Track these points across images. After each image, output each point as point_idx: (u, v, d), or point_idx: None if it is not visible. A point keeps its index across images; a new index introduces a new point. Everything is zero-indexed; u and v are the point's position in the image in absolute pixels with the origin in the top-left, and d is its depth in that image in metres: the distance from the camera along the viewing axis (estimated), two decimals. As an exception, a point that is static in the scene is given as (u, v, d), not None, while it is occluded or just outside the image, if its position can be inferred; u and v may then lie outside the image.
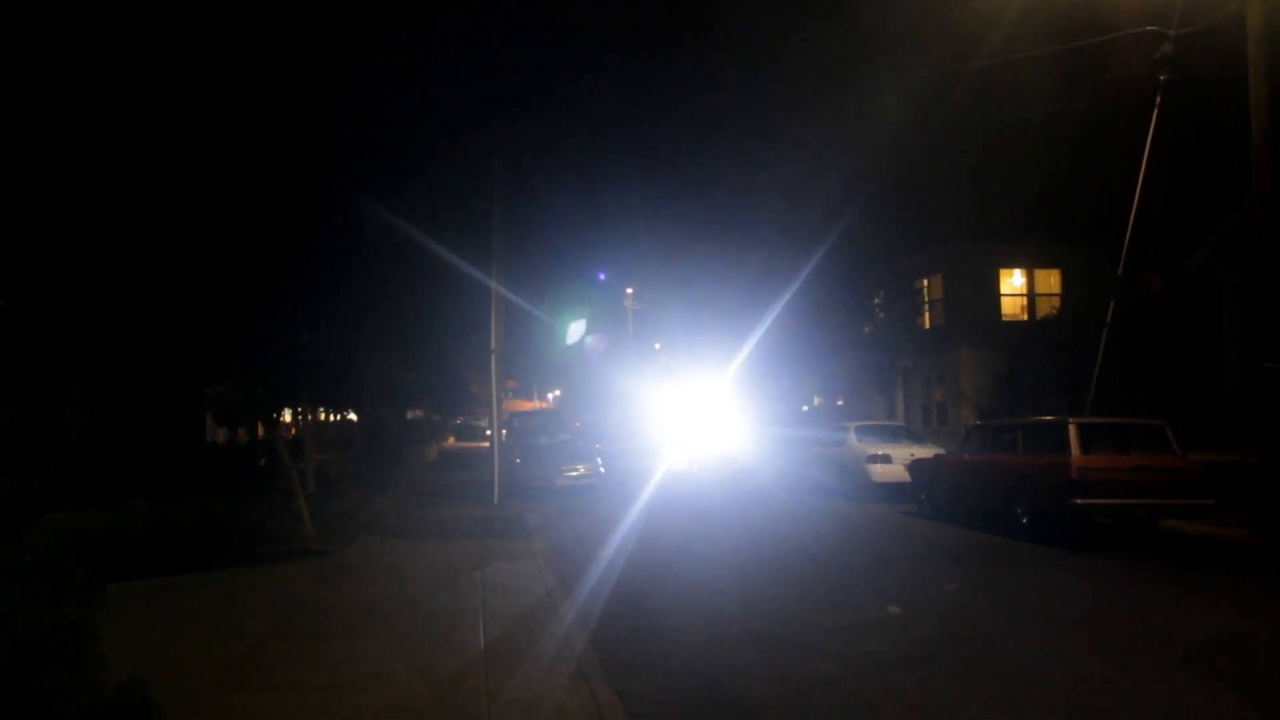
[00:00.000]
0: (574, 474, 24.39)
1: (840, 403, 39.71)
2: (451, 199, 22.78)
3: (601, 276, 19.97)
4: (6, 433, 20.29)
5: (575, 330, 24.82)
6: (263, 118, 14.76)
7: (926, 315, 34.34)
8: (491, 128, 22.84)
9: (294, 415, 27.06)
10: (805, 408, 42.05)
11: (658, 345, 62.48)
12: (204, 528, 13.46)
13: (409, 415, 48.37)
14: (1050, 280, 31.94)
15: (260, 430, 27.86)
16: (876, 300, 36.56)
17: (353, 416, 39.93)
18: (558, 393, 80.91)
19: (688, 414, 39.11)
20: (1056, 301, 31.31)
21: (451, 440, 62.12)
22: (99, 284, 14.08)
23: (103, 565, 8.08)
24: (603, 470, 25.26)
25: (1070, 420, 15.02)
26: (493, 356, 23.15)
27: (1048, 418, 16.26)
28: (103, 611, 6.22)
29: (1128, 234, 18.67)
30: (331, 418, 39.76)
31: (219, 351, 14.70)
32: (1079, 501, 14.18)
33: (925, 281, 34.16)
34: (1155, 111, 17.66)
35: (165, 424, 16.58)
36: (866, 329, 36.66)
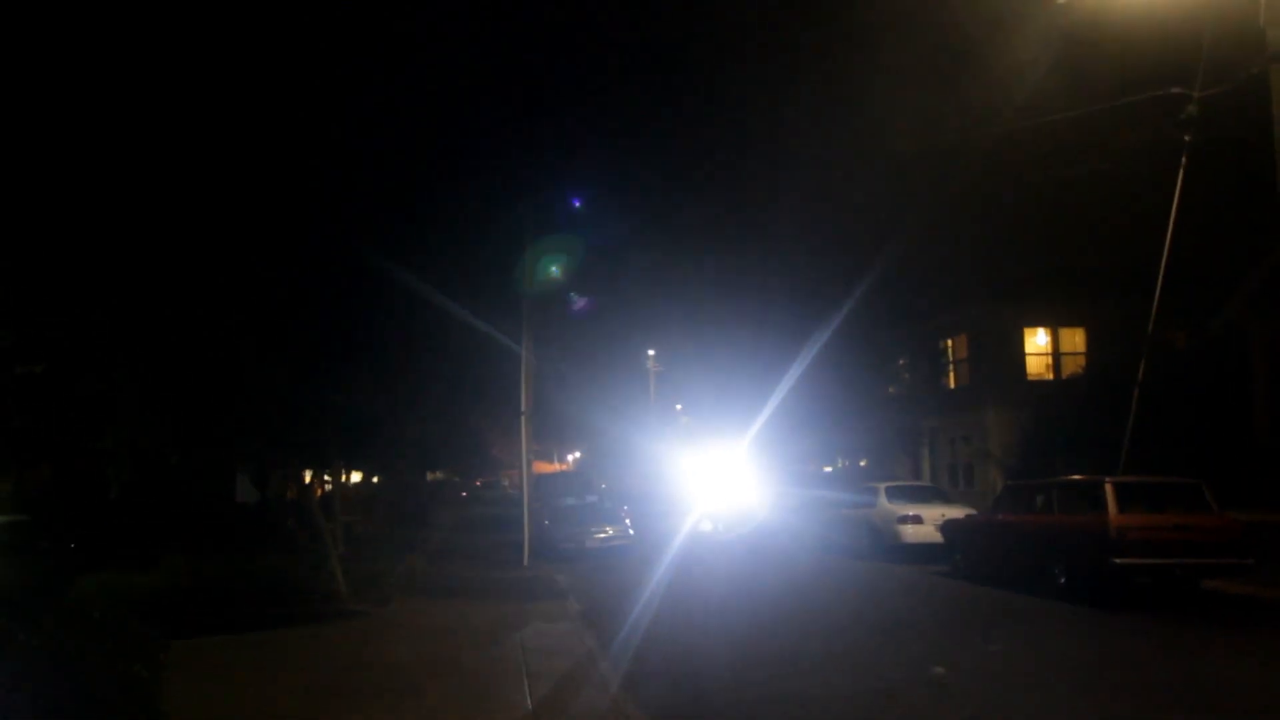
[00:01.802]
0: (603, 535, 24.31)
1: (864, 464, 39.57)
2: (480, 263, 23.03)
3: (577, 204, 19.77)
4: (45, 493, 20.46)
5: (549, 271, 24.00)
6: (296, 183, 15.04)
7: (951, 375, 34.32)
8: (523, 196, 23.03)
9: (322, 477, 27.14)
10: (828, 469, 41.92)
11: (679, 406, 62.58)
12: (240, 587, 13.53)
13: (429, 477, 48.46)
14: (1075, 339, 31.90)
15: (289, 491, 27.96)
16: (901, 361, 36.59)
17: (374, 479, 40.03)
18: (578, 455, 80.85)
19: (710, 475, 39.02)
20: (1081, 360, 31.24)
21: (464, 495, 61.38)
22: (139, 346, 14.26)
23: (148, 624, 8.13)
24: (632, 532, 25.17)
25: (1107, 480, 14.96)
26: (522, 418, 23.24)
27: (1084, 477, 16.17)
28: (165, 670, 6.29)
29: (1157, 291, 18.70)
30: (353, 479, 39.84)
31: (254, 411, 14.83)
32: (1118, 561, 14.06)
33: (949, 342, 34.18)
34: (1180, 172, 17.78)
35: (201, 483, 16.70)
36: (891, 390, 36.66)
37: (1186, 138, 17.46)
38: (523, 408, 23.12)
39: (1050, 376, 31.53)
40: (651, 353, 58.14)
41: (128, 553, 14.71)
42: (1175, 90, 16.81)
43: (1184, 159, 17.79)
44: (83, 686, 5.28)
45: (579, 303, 24.82)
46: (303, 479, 21.14)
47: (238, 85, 14.45)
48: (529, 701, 8.82)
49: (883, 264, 31.65)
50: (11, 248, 16.46)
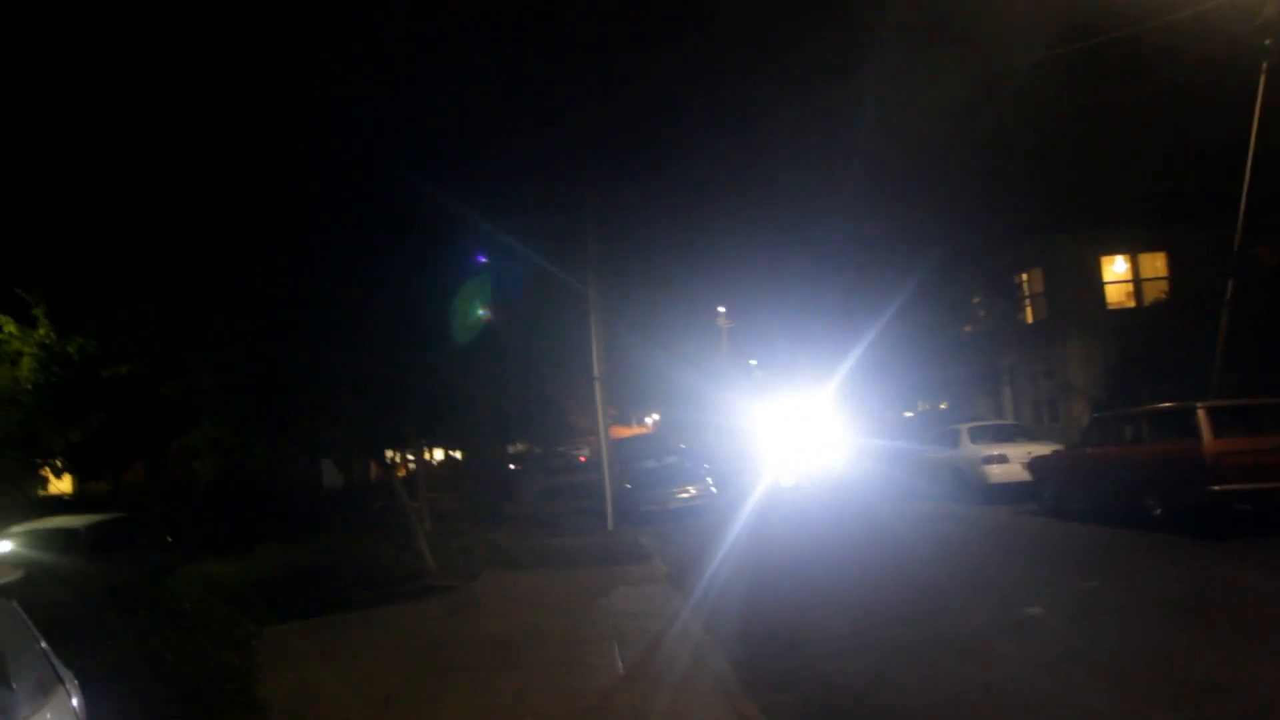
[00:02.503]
0: (686, 495, 24.32)
1: (944, 406, 38.96)
2: (549, 225, 23.01)
3: (482, 260, 19.61)
4: (141, 491, 21.07)
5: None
6: (366, 169, 15.12)
7: (1029, 310, 33.52)
8: (590, 156, 22.89)
9: (404, 456, 27.51)
10: (908, 413, 41.38)
11: (753, 361, 62.26)
12: (331, 571, 13.79)
13: (510, 449, 48.86)
14: (1156, 264, 30.88)
15: (374, 472, 28.41)
16: (976, 299, 35.86)
17: (457, 455, 40.52)
18: (656, 416, 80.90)
19: (789, 428, 38.80)
20: (1164, 285, 30.24)
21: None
22: (222, 344, 14.50)
23: (244, 611, 8.28)
24: (714, 490, 25.14)
25: (1199, 405, 14.46)
26: (596, 383, 23.26)
27: (1175, 404, 15.67)
28: (259, 656, 6.39)
29: (1242, 206, 18.00)
30: (438, 456, 40.37)
31: (333, 402, 15.00)
32: (1216, 489, 13.61)
33: (1025, 276, 33.35)
34: (1261, 79, 17.01)
35: (287, 471, 17.01)
36: (967, 329, 35.97)
37: (1266, 41, 16.67)
38: (595, 372, 23.13)
39: (1132, 304, 30.60)
40: (721, 309, 57.85)
41: (221, 544, 15.07)
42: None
43: (1264, 65, 17.01)
44: (174, 677, 5.38)
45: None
46: (386, 459, 21.39)
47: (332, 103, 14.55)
48: (620, 666, 8.84)
49: (954, 200, 30.96)
50: (90, 259, 16.92)
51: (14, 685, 3.29)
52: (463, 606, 12.75)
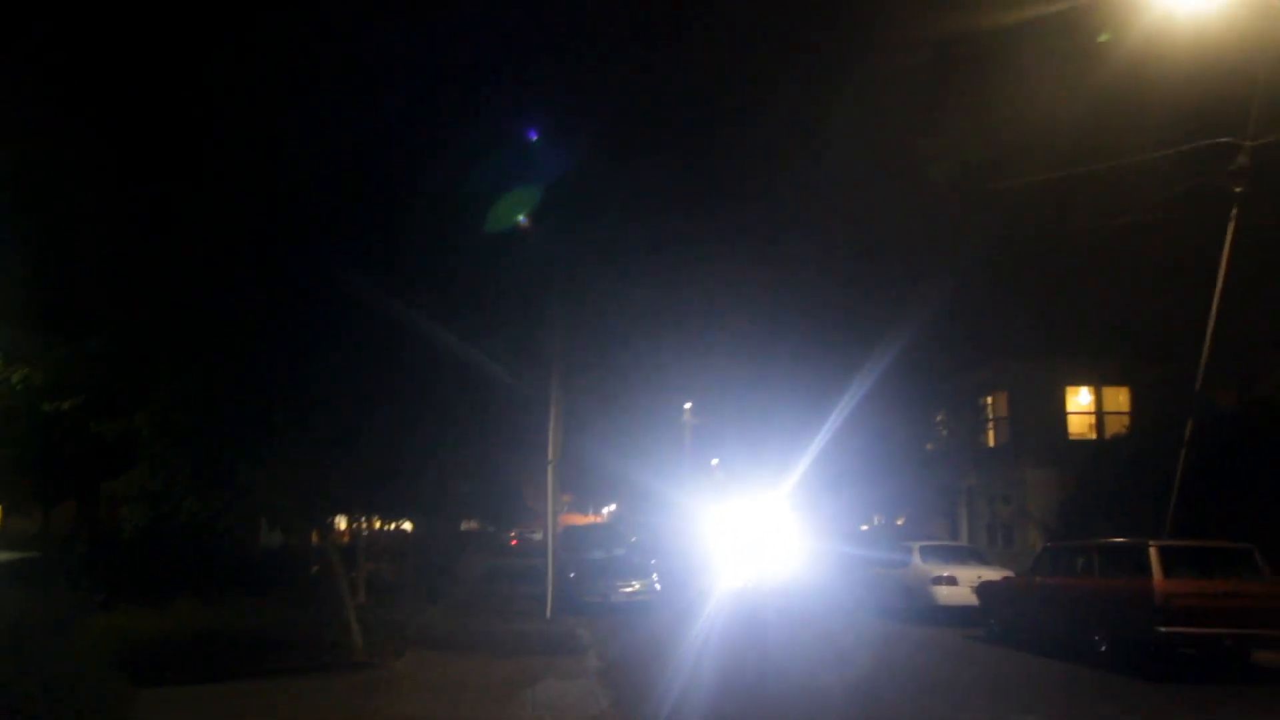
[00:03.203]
0: (629, 590, 23.82)
1: (900, 522, 38.74)
2: (510, 311, 22.86)
3: (533, 136, 19.34)
4: (69, 531, 20.40)
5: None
6: (322, 233, 14.93)
7: (991, 433, 33.58)
8: (555, 247, 22.90)
9: (349, 523, 26.89)
10: (864, 526, 41.12)
11: (714, 460, 62.01)
12: (250, 633, 13.24)
13: (463, 527, 48.11)
14: (1119, 398, 31.13)
15: (315, 537, 27.73)
16: (939, 417, 35.94)
17: (407, 526, 39.76)
18: (613, 506, 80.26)
19: (744, 530, 38.42)
20: (1125, 420, 30.44)
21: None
22: (160, 391, 14.15)
23: (150, 668, 7.83)
24: (658, 587, 24.64)
25: (1151, 542, 14.31)
26: (549, 467, 22.90)
27: (1127, 540, 15.52)
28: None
29: (1205, 348, 18.10)
30: (387, 527, 39.58)
31: (273, 456, 14.60)
32: (1162, 629, 13.37)
33: (989, 399, 33.50)
34: (1231, 224, 17.24)
35: (218, 526, 16.46)
36: (929, 446, 35.96)
37: (1237, 188, 16.94)
38: (550, 456, 22.79)
39: (1093, 436, 30.74)
40: (688, 406, 57.73)
41: (140, 595, 14.49)
42: (1226, 140, 16.35)
43: (1234, 210, 17.26)
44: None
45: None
46: (328, 524, 20.86)
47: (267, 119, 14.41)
48: (532, 763, 8.39)
49: (922, 318, 31.14)
50: (41, 290, 16.57)
51: None
52: (381, 685, 12.23)
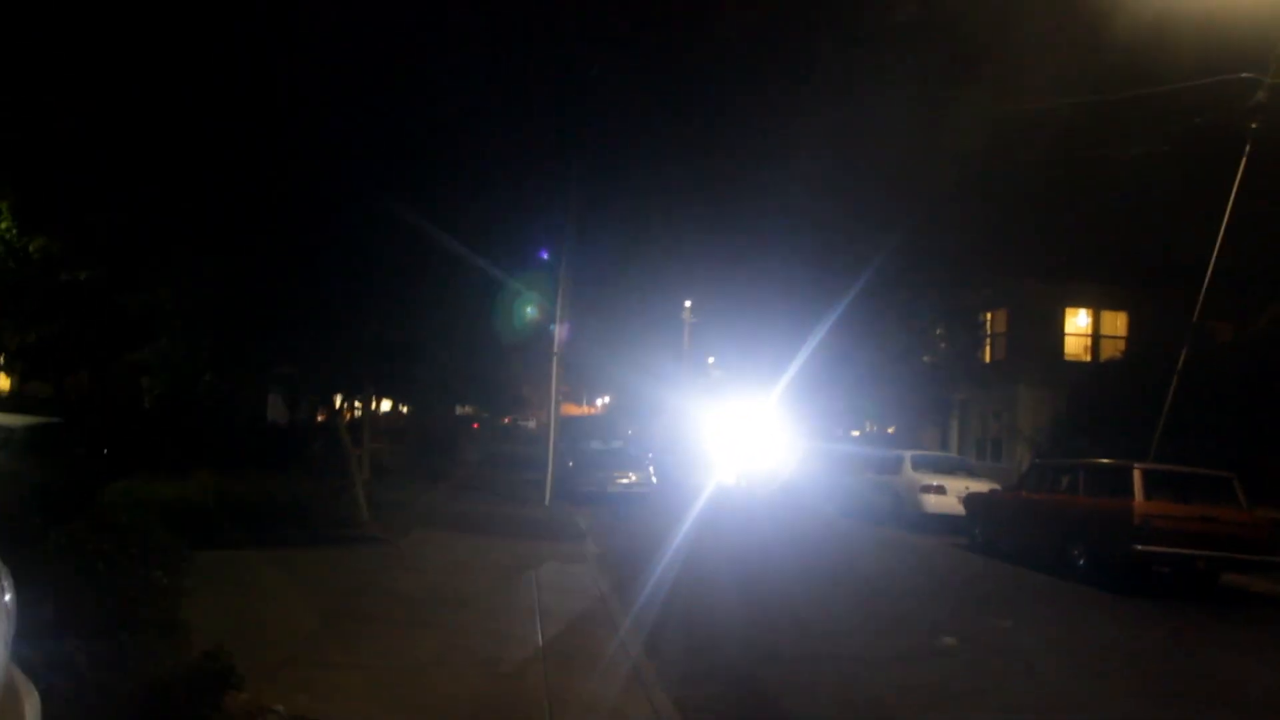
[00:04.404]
0: (626, 481, 24.48)
1: (892, 430, 39.39)
2: (518, 203, 22.95)
3: (544, 256, 19.87)
4: (83, 398, 20.82)
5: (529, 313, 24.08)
6: (338, 116, 15.04)
7: (988, 349, 34.02)
8: (566, 141, 22.91)
9: (352, 402, 27.41)
10: (856, 432, 41.77)
11: (711, 359, 62.47)
12: (265, 505, 13.72)
13: (458, 411, 48.75)
14: (1117, 323, 31.52)
15: (319, 414, 28.25)
16: (938, 330, 36.28)
17: (404, 409, 40.34)
18: (608, 399, 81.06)
19: (738, 428, 39.03)
20: (1122, 345, 30.87)
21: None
22: (184, 265, 14.42)
23: (174, 534, 8.27)
24: (654, 480, 25.30)
25: (1135, 465, 14.83)
26: (554, 359, 23.32)
27: (1112, 461, 16.04)
28: (187, 578, 6.42)
29: (1205, 279, 18.40)
30: (384, 407, 40.15)
31: (291, 333, 14.96)
32: (1139, 548, 13.97)
33: (989, 315, 33.85)
34: (1243, 159, 17.37)
35: (234, 401, 16.90)
36: (926, 358, 36.37)
37: (1253, 124, 17.03)
38: (554, 348, 23.19)
39: (1088, 358, 31.21)
40: (688, 303, 57.97)
41: (158, 463, 14.95)
42: (1245, 75, 16.38)
43: (1247, 146, 17.37)
44: (106, 588, 5.41)
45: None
46: (333, 403, 21.32)
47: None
48: (540, 639, 8.94)
49: (929, 230, 31.24)
50: (64, 157, 16.67)
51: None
52: (390, 560, 12.79)
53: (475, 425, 43.75)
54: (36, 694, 3.79)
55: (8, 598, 3.68)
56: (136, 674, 5.24)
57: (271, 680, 6.68)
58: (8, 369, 20.36)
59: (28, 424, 15.01)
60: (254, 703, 5.90)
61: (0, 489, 10.59)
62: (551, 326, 24.06)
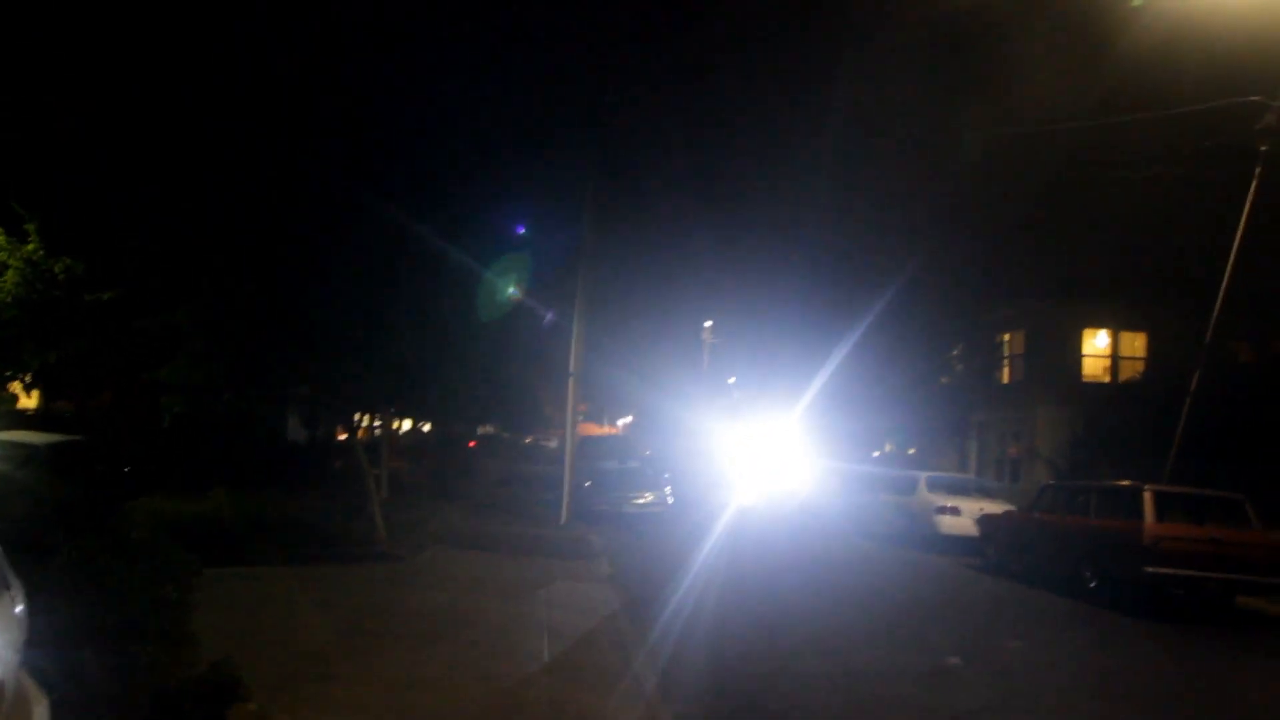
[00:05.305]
0: (641, 501, 24.55)
1: (911, 452, 39.35)
2: (538, 224, 23.17)
3: (521, 230, 19.90)
4: (104, 417, 21.14)
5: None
6: (353, 137, 15.32)
7: (1006, 370, 33.98)
8: (585, 161, 23.16)
9: (371, 421, 27.66)
10: (876, 454, 41.76)
11: (731, 379, 62.62)
12: (281, 523, 13.94)
13: (480, 431, 48.95)
14: (1135, 343, 31.42)
15: (338, 433, 28.54)
16: (955, 351, 36.28)
17: (426, 428, 40.57)
18: (629, 419, 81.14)
19: (757, 448, 39.08)
20: (1141, 365, 30.79)
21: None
22: (203, 286, 14.68)
23: (190, 550, 8.45)
24: (670, 500, 25.37)
25: (1146, 486, 14.83)
26: (570, 379, 23.47)
27: (1123, 482, 16.04)
28: (197, 594, 6.59)
29: (1218, 302, 18.41)
30: (404, 426, 40.43)
31: (308, 354, 15.18)
32: (1149, 569, 13.96)
33: (1006, 336, 33.83)
34: (1254, 181, 17.43)
35: (253, 419, 17.13)
36: (944, 380, 36.37)
37: (1263, 146, 17.10)
38: (570, 367, 23.34)
39: (1107, 379, 31.11)
40: (708, 324, 58.15)
41: (176, 481, 15.21)
42: (1254, 98, 16.46)
43: (1258, 168, 17.44)
44: (117, 602, 5.58)
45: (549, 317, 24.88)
46: (353, 422, 21.59)
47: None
48: (546, 655, 9.06)
49: (944, 252, 31.34)
50: (87, 183, 17.07)
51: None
52: (405, 577, 12.94)
53: (472, 444, 43.56)
54: (46, 701, 3.96)
55: (19, 609, 3.86)
56: (145, 685, 5.42)
57: (279, 693, 6.84)
58: (33, 388, 20.70)
59: (51, 442, 15.31)
60: (260, 715, 6.06)
61: (22, 505, 10.80)
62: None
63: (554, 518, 22.46)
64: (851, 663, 10.06)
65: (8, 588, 3.82)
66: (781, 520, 27.95)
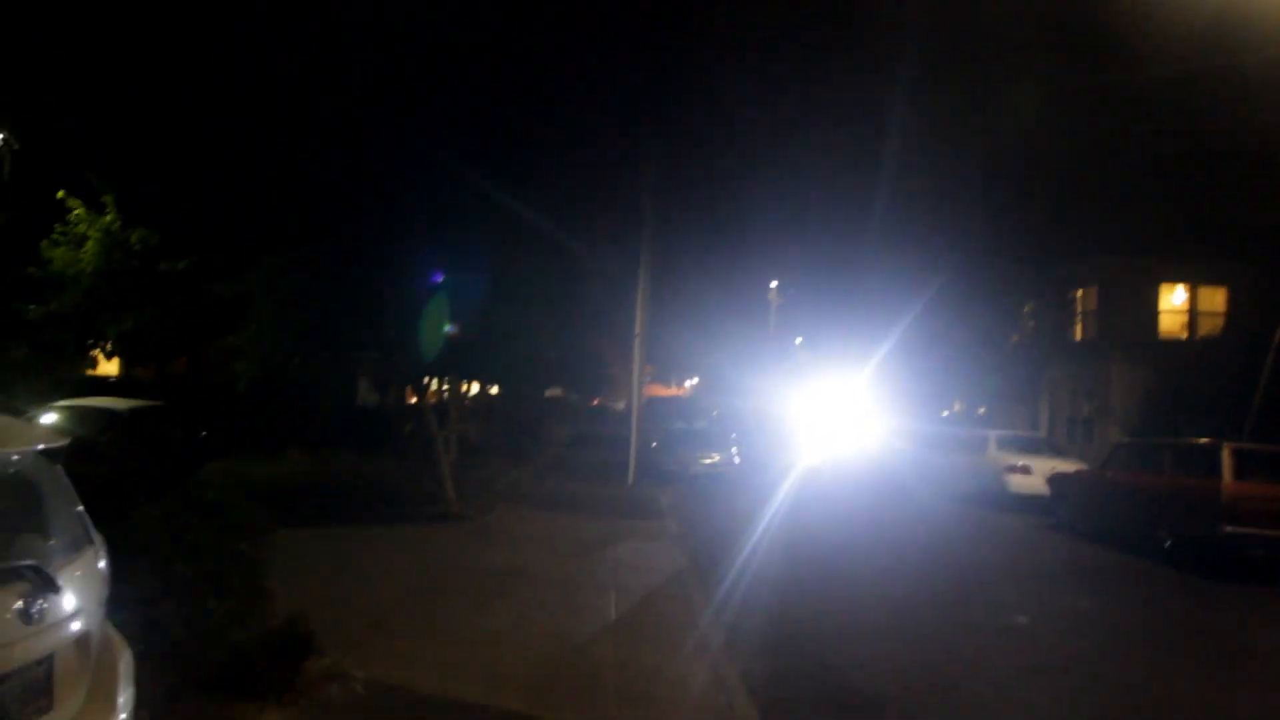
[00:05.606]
0: (709, 461, 24.61)
1: (981, 411, 38.88)
2: (603, 187, 23.19)
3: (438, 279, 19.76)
4: (181, 383, 21.70)
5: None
6: (425, 109, 15.42)
7: (1078, 327, 33.28)
8: (648, 123, 23.14)
9: (440, 385, 28.02)
10: (945, 413, 41.35)
11: (799, 339, 62.26)
12: (354, 484, 14.26)
13: (547, 394, 49.42)
14: (1215, 299, 30.50)
15: (408, 396, 28.93)
16: (1026, 309, 35.65)
17: (494, 390, 41.01)
18: (695, 380, 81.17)
19: (825, 409, 38.89)
20: (1220, 321, 29.92)
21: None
22: (271, 252, 14.94)
23: (264, 511, 8.67)
24: (737, 460, 25.39)
25: (1225, 444, 14.47)
26: (636, 340, 23.53)
27: (1201, 440, 15.67)
28: (271, 552, 6.78)
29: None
30: (474, 389, 40.86)
31: (374, 319, 15.39)
32: (1228, 529, 13.62)
33: (1079, 292, 33.06)
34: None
35: (324, 384, 17.46)
36: (1014, 338, 35.79)
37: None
38: (636, 329, 23.40)
39: (1184, 336, 30.30)
40: (774, 284, 57.80)
41: (251, 444, 15.60)
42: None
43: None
44: (195, 559, 5.77)
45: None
46: (422, 386, 21.88)
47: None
48: (613, 613, 9.17)
49: (1017, 208, 30.75)
50: (162, 157, 17.44)
51: (52, 538, 3.66)
52: (473, 537, 13.17)
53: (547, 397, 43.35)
54: (130, 651, 4.12)
55: (102, 564, 4.01)
56: (223, 638, 5.60)
57: (350, 648, 7.02)
58: (113, 355, 21.33)
59: (132, 407, 15.79)
60: (333, 668, 6.24)
61: (105, 468, 11.17)
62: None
63: (621, 477, 22.63)
64: (919, 620, 10.04)
65: (91, 543, 3.97)
66: (848, 480, 27.82)
